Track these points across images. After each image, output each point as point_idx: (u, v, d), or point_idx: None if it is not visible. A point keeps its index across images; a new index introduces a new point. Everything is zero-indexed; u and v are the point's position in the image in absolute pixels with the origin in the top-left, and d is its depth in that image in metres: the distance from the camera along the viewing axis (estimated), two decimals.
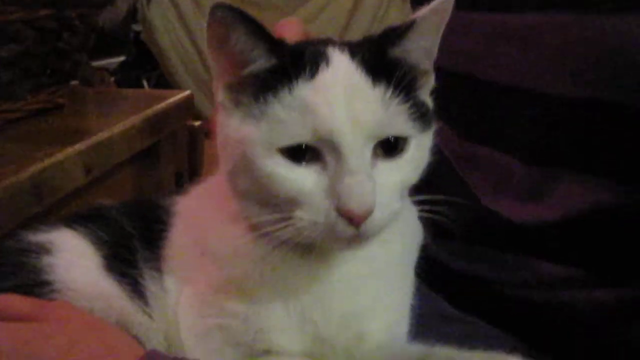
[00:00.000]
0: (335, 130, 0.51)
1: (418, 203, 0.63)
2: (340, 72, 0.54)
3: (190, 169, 1.49)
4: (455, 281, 0.79)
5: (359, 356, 0.60)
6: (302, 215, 0.53)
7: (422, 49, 0.57)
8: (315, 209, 0.52)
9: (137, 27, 3.64)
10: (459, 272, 0.79)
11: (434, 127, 0.60)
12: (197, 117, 1.62)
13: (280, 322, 0.60)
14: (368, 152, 0.53)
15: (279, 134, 0.53)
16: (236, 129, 0.56)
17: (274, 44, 0.54)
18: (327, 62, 0.54)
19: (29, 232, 0.72)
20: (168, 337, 0.67)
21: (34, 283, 0.65)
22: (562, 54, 0.64)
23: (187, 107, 1.42)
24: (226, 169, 0.58)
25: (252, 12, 0.52)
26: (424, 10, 0.55)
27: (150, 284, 0.69)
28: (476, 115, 0.78)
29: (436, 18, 0.56)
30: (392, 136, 0.54)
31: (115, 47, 3.53)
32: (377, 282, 0.62)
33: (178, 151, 1.41)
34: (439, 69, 0.60)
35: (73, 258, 0.70)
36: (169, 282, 0.68)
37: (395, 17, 3.25)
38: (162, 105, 1.33)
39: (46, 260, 0.68)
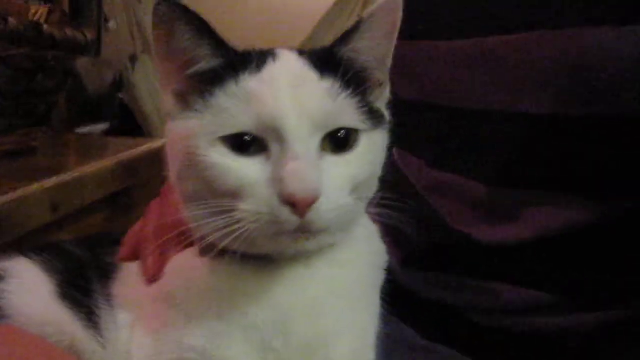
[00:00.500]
0: (279, 116, 0.50)
1: (380, 206, 0.61)
2: (287, 66, 0.53)
3: None
4: (424, 309, 0.76)
5: None
6: (245, 207, 0.50)
7: (372, 51, 0.56)
8: (258, 198, 0.50)
9: (121, 95, 3.68)
10: (428, 299, 0.76)
11: (387, 127, 0.58)
12: None
13: (241, 354, 0.56)
14: (315, 142, 0.51)
15: (222, 123, 0.51)
16: (181, 127, 0.54)
17: (221, 42, 0.53)
18: (275, 58, 0.54)
19: None
20: None
21: None
22: (524, 73, 0.64)
23: (162, 156, 1.40)
24: (173, 175, 0.56)
25: None
26: (369, 10, 0.55)
27: (104, 315, 0.66)
28: (441, 143, 0.77)
29: (384, 17, 0.55)
30: (341, 129, 0.52)
31: (100, 114, 3.56)
32: (340, 303, 0.58)
33: (152, 199, 1.38)
34: (402, 101, 0.59)
35: (26, 284, 0.67)
36: (121, 317, 0.65)
37: None
38: (136, 151, 1.33)
39: None
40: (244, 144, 0.51)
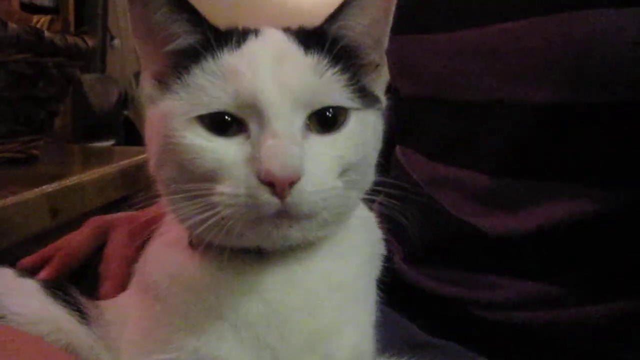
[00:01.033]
0: (258, 92, 0.47)
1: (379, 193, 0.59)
2: (270, 41, 0.52)
3: None
4: (427, 304, 0.75)
5: None
6: (222, 189, 0.47)
7: (365, 29, 0.54)
8: (236, 180, 0.47)
9: (126, 112, 3.70)
10: (431, 294, 0.75)
11: (382, 107, 0.56)
12: None
13: (233, 352, 0.53)
14: (298, 120, 0.49)
15: (198, 101, 0.49)
16: (158, 110, 0.52)
17: (199, 18, 0.51)
18: (256, 34, 0.52)
19: None
20: None
21: None
22: (525, 61, 0.63)
23: None
24: (152, 163, 0.54)
25: None
26: None
27: (93, 314, 0.65)
28: (443, 136, 0.76)
29: None
30: (329, 108, 0.50)
31: (105, 131, 3.57)
32: (337, 297, 0.56)
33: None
34: (403, 98, 0.57)
35: (19, 284, 0.67)
36: (109, 314, 0.64)
37: None
38: (136, 159, 1.32)
39: None
40: (222, 124, 0.48)
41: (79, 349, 0.61)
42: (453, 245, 0.73)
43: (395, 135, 0.79)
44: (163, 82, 0.53)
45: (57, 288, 0.66)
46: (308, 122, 0.50)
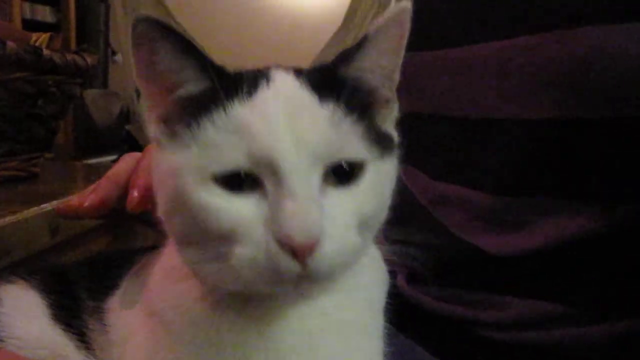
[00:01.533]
0: (274, 151, 0.45)
1: (391, 245, 0.58)
2: (282, 90, 0.48)
3: None
4: (432, 325, 0.74)
5: None
6: (241, 252, 0.45)
7: (379, 69, 0.52)
8: (255, 243, 0.45)
9: (128, 127, 3.71)
10: (436, 315, 0.74)
11: (397, 154, 0.54)
12: None
13: None
14: (316, 177, 0.46)
15: (211, 159, 0.46)
16: (168, 161, 0.49)
17: (207, 63, 0.49)
18: (268, 81, 0.49)
19: None
20: None
21: None
22: (528, 77, 0.63)
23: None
24: (162, 210, 0.51)
25: None
26: (376, 24, 0.50)
27: (96, 335, 0.65)
28: (445, 155, 0.75)
29: (392, 31, 0.51)
30: (345, 161, 0.48)
31: (107, 146, 3.58)
32: (341, 334, 0.55)
33: (157, 226, 1.37)
34: (405, 115, 0.56)
35: (20, 307, 0.67)
36: (113, 334, 0.64)
37: None
38: None
39: None
40: (236, 180, 0.46)
41: None
42: (456, 266, 0.72)
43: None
44: (170, 127, 0.51)
45: (65, 304, 0.66)
46: (324, 176, 0.47)
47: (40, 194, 1.08)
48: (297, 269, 0.44)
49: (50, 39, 1.28)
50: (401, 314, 0.63)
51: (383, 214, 0.53)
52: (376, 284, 0.61)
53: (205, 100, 0.48)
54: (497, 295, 0.68)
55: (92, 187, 0.77)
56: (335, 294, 0.54)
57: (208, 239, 0.47)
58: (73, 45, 3.14)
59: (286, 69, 0.52)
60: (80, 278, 0.70)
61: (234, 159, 0.46)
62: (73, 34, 3.39)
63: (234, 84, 0.48)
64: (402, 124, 0.56)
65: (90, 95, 2.90)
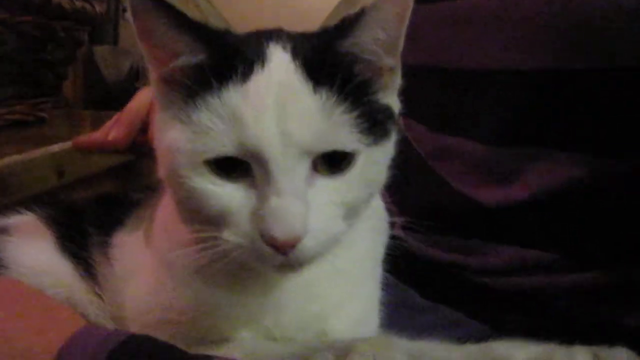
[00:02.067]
0: (263, 145, 0.45)
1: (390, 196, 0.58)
2: (276, 76, 0.48)
3: None
4: (425, 270, 0.76)
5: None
6: (228, 237, 0.47)
7: (379, 41, 0.50)
8: (240, 230, 0.47)
9: (137, 84, 3.71)
10: (429, 260, 0.76)
11: (394, 137, 0.53)
12: None
13: (230, 324, 0.56)
14: (303, 169, 0.47)
15: (204, 144, 0.47)
16: (165, 131, 0.50)
17: (202, 36, 0.48)
18: (263, 63, 0.48)
19: None
20: (117, 319, 0.64)
21: None
22: (523, 29, 0.64)
23: None
24: (161, 174, 0.53)
25: None
26: None
27: (101, 267, 0.67)
28: (442, 107, 0.76)
29: (393, 5, 0.49)
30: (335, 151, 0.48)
31: (116, 103, 3.59)
32: (340, 283, 0.57)
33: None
34: (404, 67, 0.55)
35: (26, 235, 0.70)
36: (118, 269, 0.66)
37: None
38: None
39: None
40: (228, 165, 0.47)
41: (78, 302, 0.64)
42: (451, 215, 0.74)
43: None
44: (168, 91, 0.51)
45: (73, 237, 0.69)
46: (313, 163, 0.48)
47: (47, 137, 1.10)
48: (279, 260, 0.46)
49: None
50: (396, 259, 0.65)
51: (374, 195, 0.54)
52: (376, 234, 0.63)
53: (200, 77, 0.48)
54: (487, 243, 0.70)
55: (109, 123, 0.78)
56: (337, 248, 0.54)
57: (199, 217, 0.49)
58: None
59: (285, 42, 0.50)
60: (87, 213, 0.73)
61: (225, 146, 0.46)
62: None
63: (229, 60, 0.48)
64: (402, 77, 0.56)
65: (100, 51, 2.89)
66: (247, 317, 0.56)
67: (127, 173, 1.27)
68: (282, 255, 0.46)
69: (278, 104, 0.46)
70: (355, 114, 0.48)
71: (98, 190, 1.16)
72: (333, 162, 0.48)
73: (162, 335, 0.52)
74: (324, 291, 0.57)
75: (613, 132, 0.60)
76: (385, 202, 0.68)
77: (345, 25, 0.49)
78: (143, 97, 0.77)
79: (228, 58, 0.48)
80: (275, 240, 0.45)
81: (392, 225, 0.69)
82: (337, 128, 0.47)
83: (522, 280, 0.67)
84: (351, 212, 0.50)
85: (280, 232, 0.44)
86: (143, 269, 0.63)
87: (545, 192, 0.64)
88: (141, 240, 0.66)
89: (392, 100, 0.54)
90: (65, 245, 0.68)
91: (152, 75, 0.52)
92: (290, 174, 0.46)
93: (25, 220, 0.73)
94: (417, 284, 0.77)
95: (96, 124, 1.41)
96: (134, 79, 3.70)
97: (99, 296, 0.66)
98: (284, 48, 0.49)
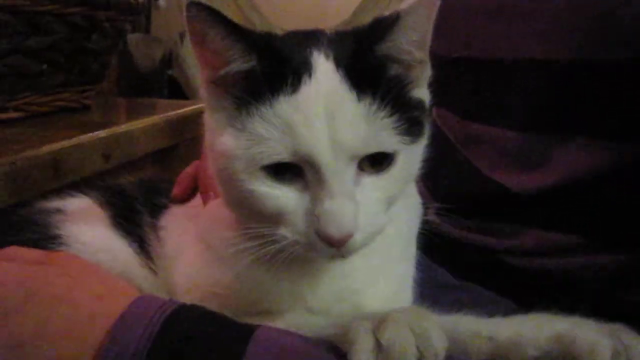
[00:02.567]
0: (315, 152, 0.49)
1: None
2: (324, 86, 0.51)
3: None
4: (456, 251, 0.78)
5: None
6: (285, 233, 0.52)
7: (413, 42, 0.53)
8: (297, 229, 0.52)
9: (170, 72, 3.75)
10: (460, 242, 0.78)
11: (427, 130, 0.57)
12: None
13: (272, 298, 0.60)
14: (351, 171, 0.51)
15: (260, 151, 0.50)
16: (217, 135, 0.54)
17: (252, 45, 0.52)
18: (310, 73, 0.51)
19: (45, 200, 0.78)
20: (170, 294, 0.67)
21: (43, 237, 0.69)
22: (552, 20, 0.66)
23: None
24: (214, 173, 0.58)
25: None
26: (409, 1, 0.52)
27: (153, 245, 0.71)
28: (474, 95, 0.79)
29: (425, 8, 0.52)
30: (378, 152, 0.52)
31: (149, 91, 3.64)
32: (375, 260, 0.61)
33: (198, 156, 1.44)
34: (436, 57, 0.59)
35: (82, 215, 0.74)
36: (167, 248, 0.70)
37: None
38: (184, 110, 1.39)
39: (56, 217, 0.73)
40: (281, 168, 0.51)
41: (133, 277, 0.68)
42: (481, 200, 0.77)
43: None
44: (218, 92, 0.54)
45: (126, 216, 0.73)
46: (359, 164, 0.52)
47: (93, 124, 1.16)
48: (332, 252, 0.52)
49: None
50: (428, 240, 0.68)
51: (410, 184, 0.59)
52: (410, 215, 0.67)
53: (251, 86, 0.52)
54: (517, 227, 0.73)
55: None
56: None
57: (254, 216, 0.54)
58: None
59: (327, 49, 0.53)
60: (138, 194, 0.78)
61: (280, 153, 0.50)
62: None
63: (278, 68, 0.52)
64: (433, 67, 0.59)
65: (133, 39, 2.93)
66: (288, 291, 0.60)
67: (167, 158, 1.32)
68: (334, 248, 0.51)
69: (327, 113, 0.50)
70: (395, 117, 0.52)
71: (141, 173, 1.21)
72: (376, 161, 0.52)
73: (210, 307, 0.55)
74: (359, 267, 0.61)
75: (638, 119, 0.62)
76: (418, 188, 0.71)
77: (382, 29, 0.53)
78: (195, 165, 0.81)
79: (277, 66, 0.52)
80: (331, 238, 0.50)
81: (426, 209, 0.72)
82: (380, 132, 0.51)
83: (547, 262, 0.69)
84: (392, 203, 0.55)
85: (335, 231, 0.49)
86: (189, 251, 0.67)
87: (571, 178, 0.66)
88: (186, 227, 0.70)
89: (423, 93, 0.58)
90: (119, 223, 0.73)
91: (202, 76, 0.56)
92: (341, 177, 0.50)
93: (79, 201, 0.77)
94: (449, 264, 0.80)
95: (132, 112, 1.47)
96: (166, 67, 3.75)
97: (153, 271, 0.70)
98: (327, 56, 0.53)
